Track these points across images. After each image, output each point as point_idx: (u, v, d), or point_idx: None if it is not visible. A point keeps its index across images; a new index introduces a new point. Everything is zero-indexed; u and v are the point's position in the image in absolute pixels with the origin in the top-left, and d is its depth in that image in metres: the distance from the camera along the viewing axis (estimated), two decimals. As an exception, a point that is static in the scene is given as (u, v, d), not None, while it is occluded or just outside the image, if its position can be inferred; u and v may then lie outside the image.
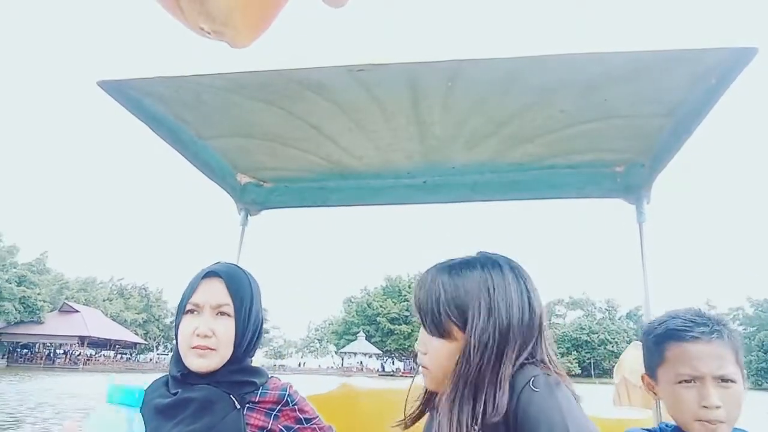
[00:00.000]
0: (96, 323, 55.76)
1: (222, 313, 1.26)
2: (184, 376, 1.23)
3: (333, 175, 2.20)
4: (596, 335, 69.20)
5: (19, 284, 51.59)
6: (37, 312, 52.37)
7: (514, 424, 0.96)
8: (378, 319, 67.43)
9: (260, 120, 1.77)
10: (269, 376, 1.34)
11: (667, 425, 1.23)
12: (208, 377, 1.23)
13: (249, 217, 2.38)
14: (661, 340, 1.19)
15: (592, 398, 1.38)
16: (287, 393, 1.30)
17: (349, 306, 73.44)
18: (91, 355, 57.64)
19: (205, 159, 2.05)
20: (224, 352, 1.24)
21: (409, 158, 2.03)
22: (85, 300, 61.62)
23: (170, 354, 1.35)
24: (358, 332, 67.35)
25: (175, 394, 1.20)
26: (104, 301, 65.48)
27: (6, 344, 53.81)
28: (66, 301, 56.87)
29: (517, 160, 2.01)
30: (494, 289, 1.07)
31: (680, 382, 1.13)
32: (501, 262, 1.12)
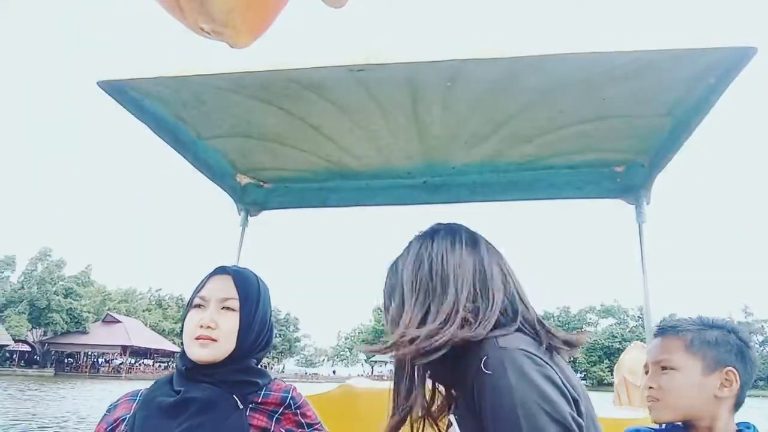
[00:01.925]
0: (137, 333, 57.65)
1: (227, 308, 1.27)
2: (188, 371, 1.23)
3: (333, 176, 2.20)
4: (628, 343, 67.95)
5: (65, 296, 54.35)
6: (83, 323, 55.20)
7: (478, 408, 0.92)
8: None
9: (260, 120, 1.77)
10: (272, 377, 1.35)
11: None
12: (212, 375, 1.23)
13: (249, 217, 2.38)
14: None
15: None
16: (290, 395, 1.31)
17: (378, 314, 73.42)
18: (132, 363, 59.58)
19: (205, 159, 2.05)
20: (226, 344, 1.25)
21: (408, 158, 2.03)
22: (126, 311, 63.84)
23: None
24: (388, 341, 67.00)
25: (178, 392, 1.20)
26: (144, 311, 67.50)
27: (53, 354, 56.60)
28: (109, 312, 59.25)
29: (516, 160, 2.02)
30: (422, 247, 1.09)
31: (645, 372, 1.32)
32: (434, 229, 1.14)
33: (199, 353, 1.22)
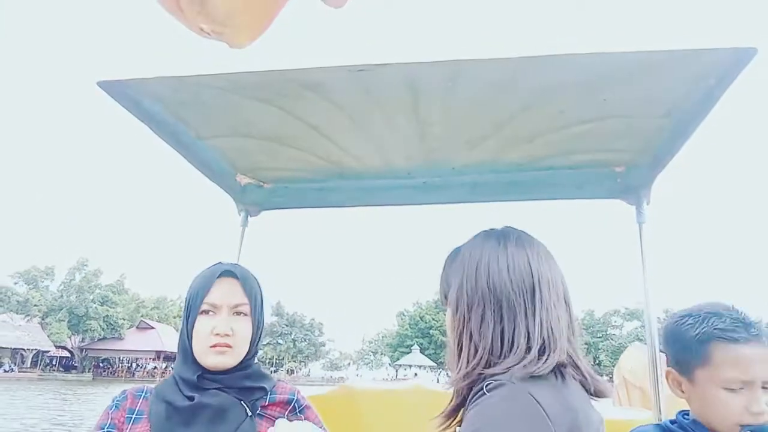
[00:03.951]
0: (169, 338, 59.73)
1: (239, 313, 1.27)
2: (199, 378, 1.22)
3: (333, 176, 2.20)
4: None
5: (102, 304, 57.48)
6: (118, 329, 58.21)
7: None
8: (431, 332, 67.74)
9: (260, 120, 1.77)
10: (276, 381, 1.35)
11: (685, 416, 1.19)
12: (221, 380, 1.23)
13: (249, 217, 2.38)
14: (706, 339, 1.12)
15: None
16: (295, 398, 1.32)
17: (402, 319, 74.04)
18: (165, 368, 61.85)
19: (205, 159, 2.05)
20: (241, 350, 1.25)
21: (408, 159, 2.03)
22: (158, 317, 66.39)
23: None
24: (412, 345, 67.72)
25: (190, 398, 1.20)
26: (175, 317, 69.67)
27: (91, 359, 59.75)
28: (142, 319, 61.81)
29: (516, 161, 2.01)
30: (471, 255, 1.05)
31: (726, 387, 1.09)
32: (485, 233, 1.11)
33: (216, 360, 1.22)
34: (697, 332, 1.14)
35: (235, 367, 1.25)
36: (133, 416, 1.22)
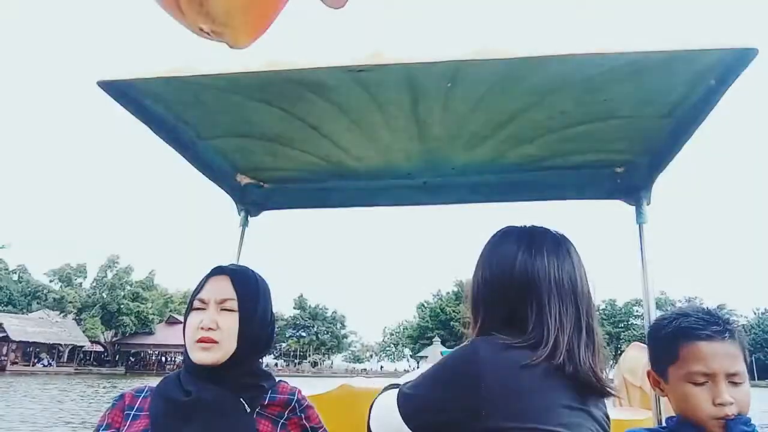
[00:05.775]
0: None
1: (226, 309, 1.27)
2: (197, 371, 1.24)
3: (333, 176, 2.19)
4: (676, 335, 67.40)
5: (133, 300, 59.74)
6: (149, 324, 60.61)
7: None
8: (452, 323, 68.01)
9: (260, 120, 1.77)
10: (277, 380, 1.35)
11: (670, 419, 1.22)
12: (220, 376, 1.23)
13: (249, 218, 2.38)
14: (674, 338, 1.18)
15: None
16: (296, 398, 1.32)
17: (422, 311, 74.77)
18: None
19: (205, 159, 2.05)
20: (228, 346, 1.25)
21: (408, 159, 2.03)
22: None
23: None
24: (433, 336, 68.23)
25: (188, 393, 1.20)
26: None
27: (123, 353, 62.63)
28: (171, 314, 63.72)
29: (516, 161, 2.01)
30: (484, 250, 1.22)
31: (692, 382, 1.13)
32: (502, 230, 1.23)
33: (201, 357, 1.22)
34: (665, 332, 1.20)
35: (228, 363, 1.25)
36: (132, 413, 1.23)
